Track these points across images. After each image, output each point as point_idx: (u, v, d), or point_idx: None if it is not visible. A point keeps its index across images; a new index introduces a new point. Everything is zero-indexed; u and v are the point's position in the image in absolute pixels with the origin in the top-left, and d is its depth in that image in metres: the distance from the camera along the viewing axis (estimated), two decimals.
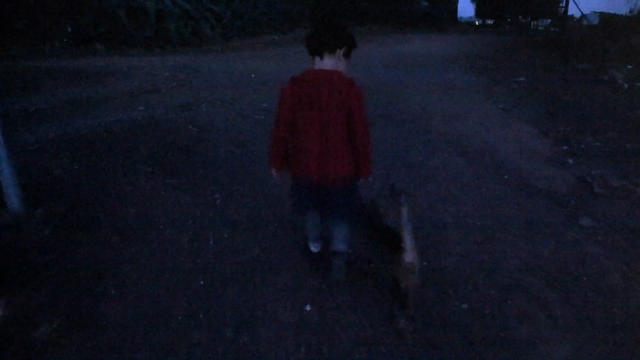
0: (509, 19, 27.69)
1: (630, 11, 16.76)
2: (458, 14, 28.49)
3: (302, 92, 2.19)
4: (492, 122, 5.89)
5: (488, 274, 2.73)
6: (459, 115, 6.22)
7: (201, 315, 2.40)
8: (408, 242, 2.15)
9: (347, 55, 2.28)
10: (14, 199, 3.22)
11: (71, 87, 7.90)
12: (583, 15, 23.34)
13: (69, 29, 13.94)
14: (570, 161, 4.49)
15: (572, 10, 49.68)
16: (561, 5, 24.18)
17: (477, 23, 29.66)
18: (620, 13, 17.42)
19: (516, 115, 6.23)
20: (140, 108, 6.26)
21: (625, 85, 7.87)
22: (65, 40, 13.86)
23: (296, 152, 2.31)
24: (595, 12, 21.16)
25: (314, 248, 2.81)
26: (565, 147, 4.87)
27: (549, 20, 25.39)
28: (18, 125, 5.39)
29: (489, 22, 28.91)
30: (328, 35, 2.22)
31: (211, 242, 3.06)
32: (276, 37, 17.50)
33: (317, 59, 2.24)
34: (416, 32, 21.59)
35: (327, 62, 2.23)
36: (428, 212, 3.44)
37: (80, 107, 6.48)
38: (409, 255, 2.15)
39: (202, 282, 2.66)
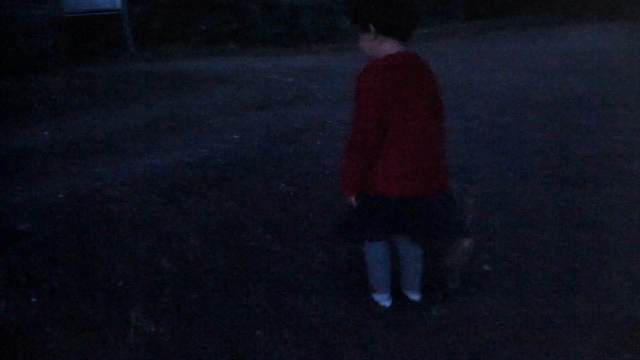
0: None
1: None
2: None
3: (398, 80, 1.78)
4: None
5: None
6: None
7: None
8: None
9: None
10: None
11: (172, 97, 6.67)
12: None
13: (202, 28, 13.34)
14: None
15: None
16: None
17: None
18: None
19: None
20: (235, 136, 4.54)
21: None
22: (198, 39, 13.30)
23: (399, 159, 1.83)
24: None
25: (386, 301, 2.17)
26: None
27: None
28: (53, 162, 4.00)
29: None
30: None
31: None
32: (425, 31, 15.17)
33: (395, 41, 1.80)
34: (582, 20, 17.31)
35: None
36: None
37: (161, 131, 5.06)
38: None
39: None
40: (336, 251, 2.55)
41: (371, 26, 1.77)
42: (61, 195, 3.51)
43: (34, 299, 2.21)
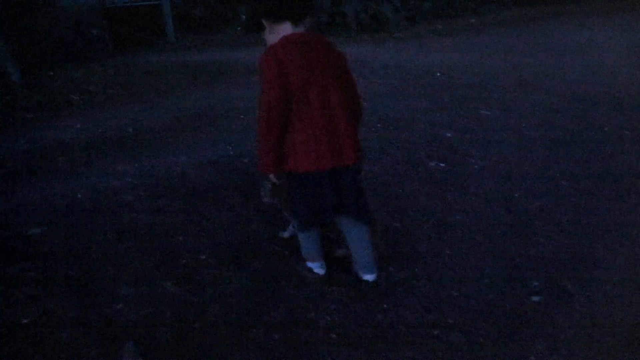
0: None
1: None
2: None
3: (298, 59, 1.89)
4: None
5: None
6: None
7: None
8: None
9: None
10: None
11: (207, 89, 6.54)
12: None
13: (243, 17, 13.12)
14: None
15: None
16: None
17: None
18: None
19: None
20: (229, 147, 4.20)
21: None
22: (238, 28, 13.10)
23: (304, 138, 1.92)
24: None
25: (320, 269, 2.27)
26: None
27: None
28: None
29: None
30: None
31: None
32: (473, 21, 14.42)
33: (288, 25, 1.93)
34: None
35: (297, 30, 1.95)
36: None
37: (191, 125, 4.89)
38: None
39: None
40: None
41: (264, 21, 1.97)
42: (79, 195, 3.34)
43: (24, 321, 2.00)
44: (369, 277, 2.21)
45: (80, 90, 6.87)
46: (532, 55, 8.17)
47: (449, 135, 4.29)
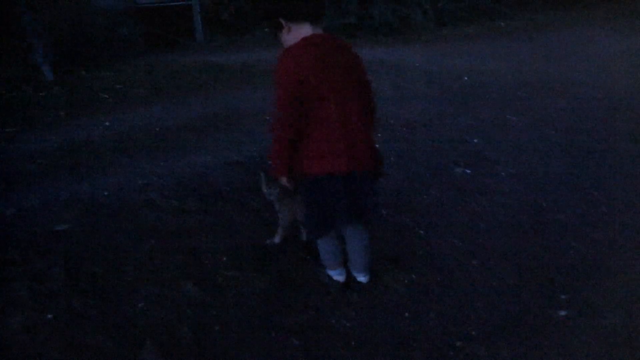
0: None
1: None
2: None
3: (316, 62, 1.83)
4: None
5: None
6: None
7: None
8: None
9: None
10: None
11: (233, 90, 6.60)
12: None
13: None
14: None
15: None
16: None
17: None
18: None
19: None
20: (253, 148, 4.21)
21: None
22: (266, 29, 13.19)
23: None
24: None
25: (340, 276, 2.23)
26: None
27: None
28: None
29: None
30: None
31: None
32: (502, 24, 14.19)
33: (307, 26, 1.88)
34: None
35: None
36: None
37: (217, 126, 4.92)
38: None
39: None
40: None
41: (282, 21, 1.88)
42: (106, 193, 3.40)
43: (49, 316, 2.04)
44: (363, 278, 2.22)
45: (110, 89, 7.00)
46: (562, 60, 7.99)
47: (475, 140, 4.22)
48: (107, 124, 5.37)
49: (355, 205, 1.97)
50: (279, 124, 1.86)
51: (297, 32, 1.89)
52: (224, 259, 2.43)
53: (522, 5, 15.70)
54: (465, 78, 6.88)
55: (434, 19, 13.43)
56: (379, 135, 4.38)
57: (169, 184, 3.46)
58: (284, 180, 1.98)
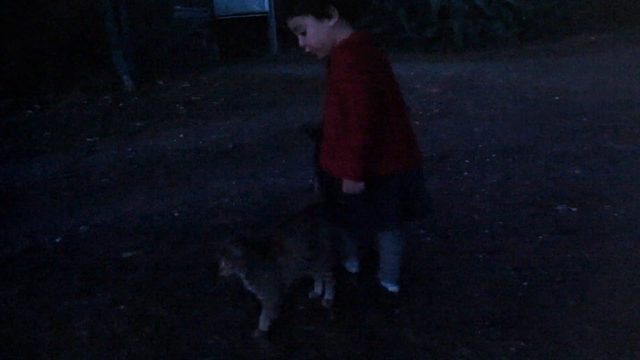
0: None
1: None
2: None
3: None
4: None
5: None
6: None
7: None
8: None
9: None
10: None
11: (306, 104, 6.39)
12: None
13: None
14: None
15: None
16: None
17: None
18: None
19: None
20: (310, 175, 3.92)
21: None
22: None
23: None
24: None
25: (354, 267, 2.33)
26: None
27: None
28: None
29: None
30: None
31: None
32: (593, 39, 13.22)
33: (349, 26, 1.78)
34: None
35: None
36: None
37: (286, 144, 4.73)
38: None
39: None
40: None
41: (334, 10, 1.70)
42: (176, 214, 3.27)
43: None
44: (394, 288, 2.16)
45: (185, 101, 7.06)
46: None
47: (577, 172, 3.73)
48: (181, 136, 5.35)
49: (412, 202, 1.97)
50: (366, 124, 1.70)
51: (339, 31, 1.76)
52: (301, 307, 2.15)
53: (616, 18, 14.56)
54: (557, 98, 6.31)
55: (517, 32, 12.72)
56: (466, 161, 4.00)
57: (241, 208, 3.27)
58: (361, 186, 1.81)
